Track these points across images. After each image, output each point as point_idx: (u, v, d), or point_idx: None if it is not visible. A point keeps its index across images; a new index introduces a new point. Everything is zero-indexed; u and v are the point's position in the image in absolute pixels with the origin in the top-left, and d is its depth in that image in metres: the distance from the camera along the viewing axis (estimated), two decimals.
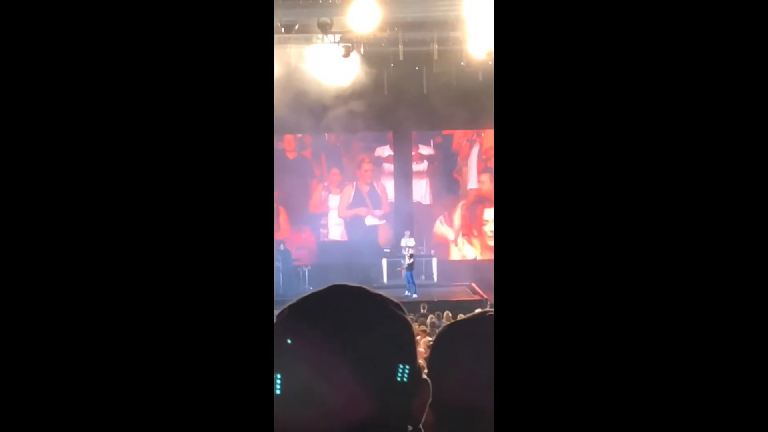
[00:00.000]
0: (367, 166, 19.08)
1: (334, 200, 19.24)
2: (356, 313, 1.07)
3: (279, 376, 1.04)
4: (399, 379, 1.04)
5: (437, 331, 1.51)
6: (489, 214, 18.24)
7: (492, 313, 1.42)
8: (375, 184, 19.08)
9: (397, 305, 1.11)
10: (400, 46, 13.61)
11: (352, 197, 19.22)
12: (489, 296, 14.82)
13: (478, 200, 18.33)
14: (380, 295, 1.11)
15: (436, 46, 13.70)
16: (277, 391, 1.03)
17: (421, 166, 18.50)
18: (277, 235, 16.55)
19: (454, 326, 1.44)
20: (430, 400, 1.09)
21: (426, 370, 1.17)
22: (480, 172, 18.36)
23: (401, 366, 1.04)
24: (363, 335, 1.04)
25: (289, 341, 1.05)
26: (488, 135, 17.84)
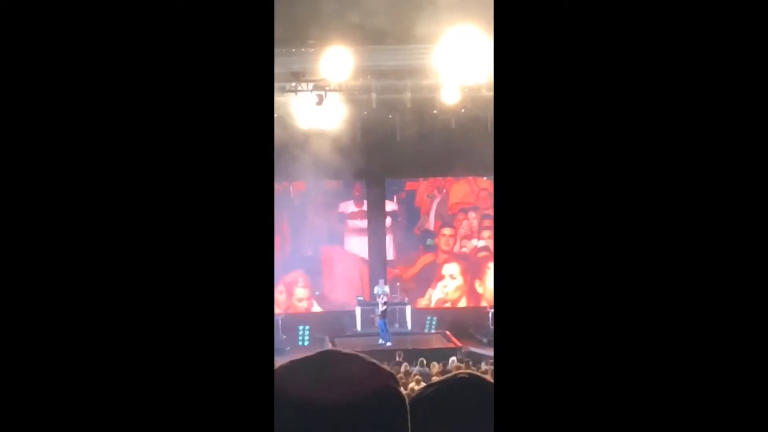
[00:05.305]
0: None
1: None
2: (349, 384, 1.02)
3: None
4: None
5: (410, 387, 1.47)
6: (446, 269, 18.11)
7: (466, 375, 1.39)
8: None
9: (391, 376, 1.07)
10: (373, 95, 13.76)
11: None
12: (463, 344, 14.79)
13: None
14: (374, 365, 1.07)
15: (409, 94, 13.85)
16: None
17: (386, 222, 17.93)
18: None
19: (430, 389, 1.40)
20: None
21: None
22: (437, 228, 18.02)
23: None
24: (354, 409, 1.00)
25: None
26: (451, 189, 17.80)
